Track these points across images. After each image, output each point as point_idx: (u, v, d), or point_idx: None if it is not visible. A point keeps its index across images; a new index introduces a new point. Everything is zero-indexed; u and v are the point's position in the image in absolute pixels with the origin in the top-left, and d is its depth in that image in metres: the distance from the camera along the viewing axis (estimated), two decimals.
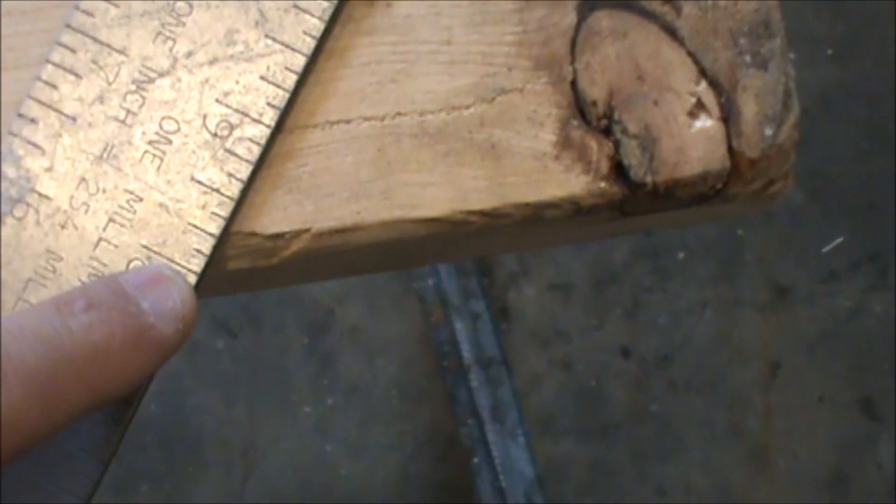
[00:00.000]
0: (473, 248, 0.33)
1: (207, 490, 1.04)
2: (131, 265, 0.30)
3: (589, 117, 0.31)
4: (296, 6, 0.31)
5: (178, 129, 0.30)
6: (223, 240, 0.30)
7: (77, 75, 0.30)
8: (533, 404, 1.02)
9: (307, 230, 0.31)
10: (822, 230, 1.07)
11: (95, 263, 0.30)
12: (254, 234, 0.31)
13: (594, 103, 0.31)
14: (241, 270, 0.31)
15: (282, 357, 1.06)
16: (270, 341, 1.06)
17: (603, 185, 0.31)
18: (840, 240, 1.07)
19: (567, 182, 0.31)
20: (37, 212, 0.30)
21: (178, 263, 0.30)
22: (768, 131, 0.31)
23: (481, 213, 0.31)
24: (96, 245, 0.30)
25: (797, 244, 1.07)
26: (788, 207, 1.07)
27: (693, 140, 0.31)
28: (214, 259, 0.30)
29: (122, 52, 0.30)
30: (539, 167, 0.31)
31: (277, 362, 1.06)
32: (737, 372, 1.06)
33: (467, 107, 0.31)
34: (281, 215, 0.31)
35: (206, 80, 0.30)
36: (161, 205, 0.30)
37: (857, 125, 1.07)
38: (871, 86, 1.07)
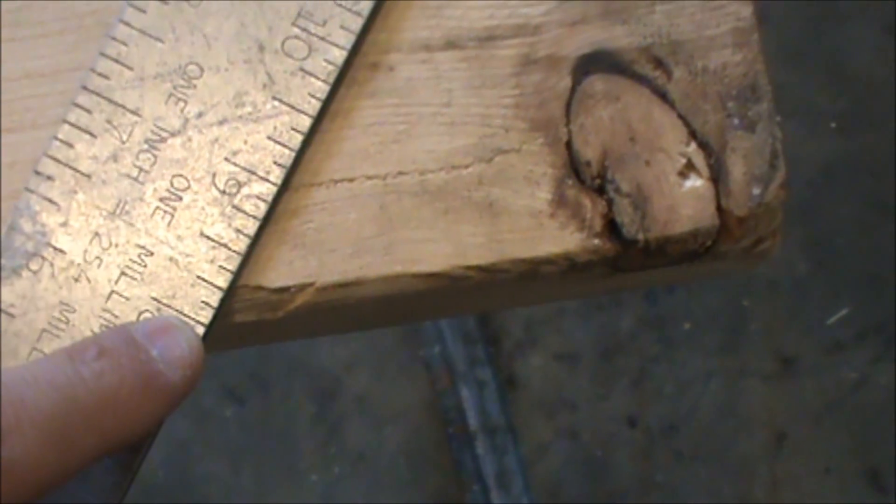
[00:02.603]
0: (472, 303, 0.34)
1: None
2: (141, 317, 0.31)
3: (583, 177, 0.32)
4: (302, 69, 0.32)
5: (189, 187, 0.32)
6: (230, 293, 0.31)
7: (92, 134, 0.32)
8: (539, 473, 1.02)
9: (311, 284, 0.32)
10: (827, 301, 1.08)
11: (107, 315, 0.31)
12: (260, 288, 0.32)
13: (588, 163, 0.32)
14: (248, 323, 0.32)
15: (289, 425, 1.07)
16: (278, 409, 1.07)
17: (597, 241, 0.32)
18: (845, 311, 1.08)
19: (562, 239, 0.32)
20: (52, 265, 0.31)
21: (187, 315, 0.31)
22: (756, 191, 0.32)
23: (479, 268, 0.32)
24: (108, 297, 0.31)
25: (802, 315, 1.08)
26: (793, 278, 1.08)
27: (683, 199, 0.32)
28: (222, 312, 0.31)
29: (135, 112, 0.32)
30: (535, 224, 0.32)
31: (285, 430, 1.07)
32: (743, 442, 1.06)
33: (466, 166, 0.32)
34: (286, 270, 0.32)
35: (216, 140, 0.32)
36: (171, 259, 0.31)
37: (861, 197, 1.08)
38: (874, 158, 1.09)
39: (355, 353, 1.07)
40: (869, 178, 1.08)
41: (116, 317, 0.31)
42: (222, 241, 0.31)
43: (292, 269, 0.32)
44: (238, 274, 0.31)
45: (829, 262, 1.08)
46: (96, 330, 0.31)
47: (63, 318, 0.31)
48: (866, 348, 1.07)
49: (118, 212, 0.31)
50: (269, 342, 0.35)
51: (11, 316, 0.31)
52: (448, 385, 0.92)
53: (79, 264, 0.31)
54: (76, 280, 0.31)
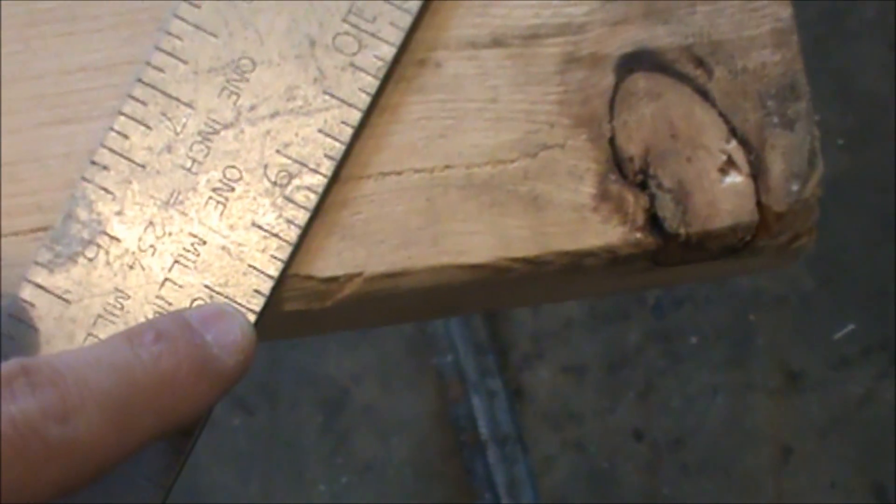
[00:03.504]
0: (515, 296, 0.35)
1: None
2: (194, 304, 0.32)
3: (626, 172, 0.33)
4: (352, 64, 0.33)
5: (241, 178, 0.32)
6: (281, 282, 0.32)
7: (147, 126, 0.32)
8: (546, 486, 1.02)
9: (360, 274, 0.32)
10: (834, 317, 1.08)
11: (161, 302, 0.32)
12: (310, 278, 0.32)
13: (631, 159, 0.33)
14: (296, 312, 0.33)
15: (297, 435, 1.07)
16: (286, 419, 1.07)
17: (638, 235, 0.33)
18: (851, 327, 1.08)
19: (605, 232, 0.32)
20: (107, 253, 0.32)
21: (238, 303, 0.32)
22: (794, 187, 0.33)
23: (524, 260, 0.33)
24: (162, 285, 0.32)
25: (808, 330, 1.09)
26: (800, 294, 1.09)
27: (723, 195, 0.33)
28: (272, 300, 0.32)
29: (189, 105, 0.32)
30: (578, 218, 0.33)
31: (293, 440, 1.07)
32: (748, 456, 1.07)
33: (512, 161, 0.33)
34: (335, 260, 0.32)
35: (268, 132, 0.32)
36: (223, 248, 0.32)
37: (868, 213, 1.09)
38: (881, 175, 1.10)
39: (363, 363, 1.08)
40: (876, 194, 1.09)
41: (170, 304, 0.32)
42: (273, 231, 0.32)
43: (341, 259, 0.32)
44: (288, 263, 0.32)
45: (835, 277, 1.09)
46: (150, 316, 0.32)
47: (118, 305, 0.32)
48: (872, 364, 1.07)
49: (172, 201, 0.32)
50: (315, 332, 0.35)
51: (67, 302, 0.32)
52: (460, 394, 0.92)
53: (133, 252, 0.32)
54: (130, 267, 0.32)
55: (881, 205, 1.09)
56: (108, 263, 0.32)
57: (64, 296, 0.32)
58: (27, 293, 0.32)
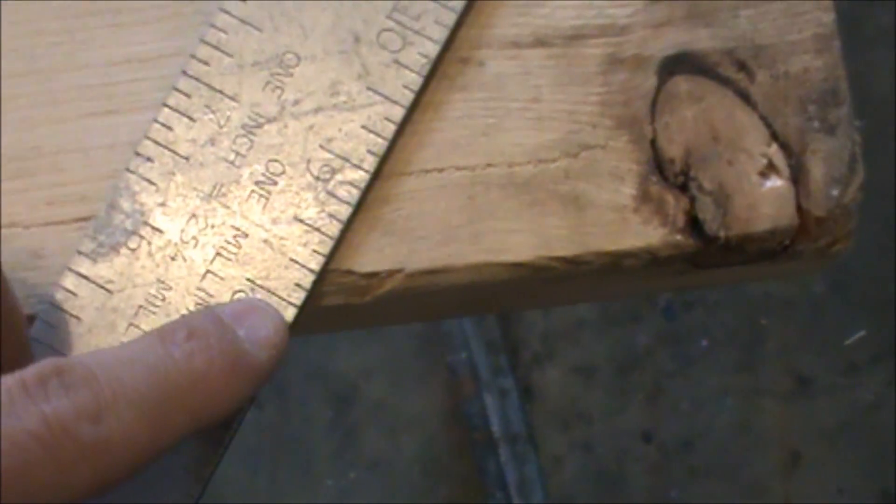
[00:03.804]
0: (553, 295, 0.35)
1: None
2: (235, 296, 0.32)
3: (667, 174, 0.33)
4: (396, 61, 0.33)
5: (284, 172, 0.32)
6: (322, 276, 0.32)
7: (191, 118, 0.32)
8: (553, 485, 1.02)
9: (400, 270, 0.33)
10: (845, 323, 1.09)
11: (202, 294, 0.32)
12: (350, 273, 0.33)
13: (672, 161, 0.33)
14: (336, 307, 0.33)
15: (306, 430, 1.07)
16: (295, 414, 1.07)
17: (678, 237, 0.33)
18: (862, 333, 1.08)
19: (645, 234, 0.33)
20: (149, 244, 0.32)
21: (279, 297, 0.32)
22: (834, 192, 0.33)
23: (563, 259, 0.33)
24: (203, 277, 0.32)
25: (819, 336, 1.09)
26: (811, 299, 1.09)
27: (764, 198, 0.33)
28: (312, 294, 0.32)
29: (233, 98, 0.33)
30: (619, 219, 0.33)
31: (301, 435, 1.07)
32: (757, 460, 1.07)
33: (553, 160, 0.33)
34: (376, 256, 0.33)
35: (311, 127, 0.33)
36: (265, 241, 0.32)
37: (880, 220, 1.09)
38: (894, 182, 1.10)
39: (373, 359, 1.08)
40: (888, 201, 1.09)
41: (211, 296, 0.32)
42: (316, 226, 0.32)
43: (382, 254, 0.33)
44: (330, 258, 0.32)
45: (846, 283, 1.09)
46: (191, 308, 0.32)
47: (159, 296, 0.32)
48: (882, 370, 1.07)
49: (215, 194, 0.32)
50: (351, 327, 0.35)
51: (110, 292, 0.32)
52: (472, 392, 0.92)
53: (175, 244, 0.32)
54: (173, 259, 0.32)
55: (893, 212, 1.09)
56: (150, 254, 0.32)
57: (106, 286, 0.32)
58: (69, 282, 0.32)
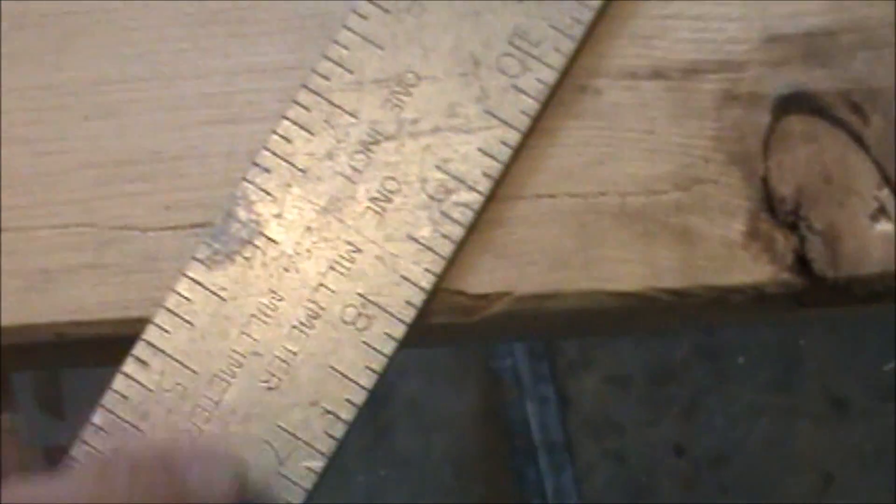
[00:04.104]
0: (656, 324, 0.35)
1: None
2: (346, 310, 0.32)
3: (777, 212, 0.33)
4: (514, 86, 0.33)
5: (399, 190, 0.33)
6: (432, 295, 0.33)
7: (310, 132, 0.33)
8: (583, 493, 1.03)
9: (509, 293, 0.33)
10: (884, 348, 1.08)
11: (313, 306, 0.32)
12: (460, 293, 0.33)
13: (783, 200, 0.33)
14: (442, 325, 0.33)
15: None
16: None
17: (787, 276, 0.33)
18: None
19: (753, 270, 0.33)
20: (264, 254, 0.32)
21: (390, 313, 0.32)
22: None
23: (672, 291, 0.33)
24: (316, 289, 0.32)
25: (858, 359, 1.09)
26: (851, 322, 1.09)
27: (874, 241, 0.33)
28: (421, 313, 0.33)
29: (352, 114, 0.33)
30: (728, 254, 0.33)
31: None
32: (789, 480, 1.07)
33: (665, 192, 0.33)
34: (487, 277, 0.33)
35: (428, 147, 0.33)
36: (378, 257, 0.32)
37: None
38: None
39: (410, 358, 1.08)
40: None
41: (322, 308, 0.32)
42: (429, 245, 0.32)
43: (492, 277, 0.33)
44: (441, 277, 0.33)
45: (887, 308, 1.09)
46: (303, 319, 0.32)
47: (271, 306, 0.32)
48: None
49: (330, 208, 0.33)
50: (453, 345, 0.36)
51: (223, 299, 0.32)
52: (515, 398, 0.93)
53: (290, 255, 0.32)
54: (286, 270, 0.32)
55: None
56: (264, 264, 0.32)
57: (220, 293, 0.32)
58: (183, 287, 0.32)
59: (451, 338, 0.35)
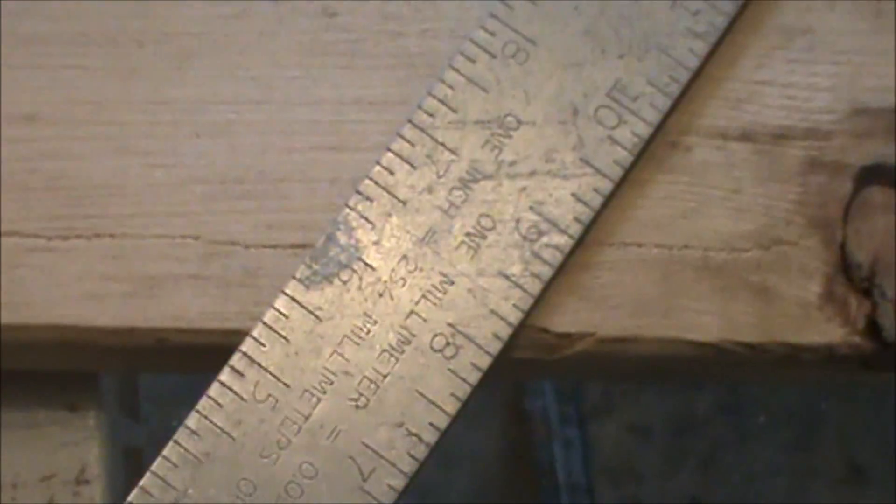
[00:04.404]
0: (728, 375, 0.37)
1: None
2: (435, 340, 0.34)
3: (852, 277, 0.35)
4: (610, 137, 0.35)
5: (494, 227, 0.34)
6: (518, 330, 0.34)
7: (412, 165, 0.34)
8: None
9: (592, 335, 0.34)
10: None
11: (405, 332, 0.34)
12: (545, 331, 0.34)
13: (859, 266, 0.35)
14: (525, 360, 0.35)
15: None
16: None
17: (857, 339, 0.34)
18: None
19: (826, 331, 0.34)
20: (360, 278, 0.34)
21: (478, 344, 0.34)
22: None
23: (747, 345, 0.34)
24: (408, 316, 0.34)
25: (878, 427, 1.09)
26: (873, 389, 1.10)
27: None
28: (506, 347, 0.34)
29: (453, 151, 0.34)
30: (803, 314, 0.34)
31: None
32: None
33: (747, 250, 0.35)
34: (571, 318, 0.34)
35: (524, 189, 0.34)
36: (470, 290, 0.34)
37: None
38: None
39: None
40: None
41: (413, 335, 0.34)
42: (519, 282, 0.34)
43: (576, 317, 0.34)
44: (528, 314, 0.34)
45: None
46: (393, 344, 0.33)
47: (364, 329, 0.34)
48: None
49: (427, 239, 0.34)
50: (531, 378, 0.37)
51: (318, 319, 0.34)
52: (544, 439, 0.94)
53: (385, 281, 0.34)
54: (380, 295, 0.34)
55: None
56: (360, 288, 0.34)
57: (316, 312, 0.34)
58: (281, 304, 0.34)
59: (532, 373, 0.36)
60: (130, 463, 0.40)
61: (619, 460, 1.08)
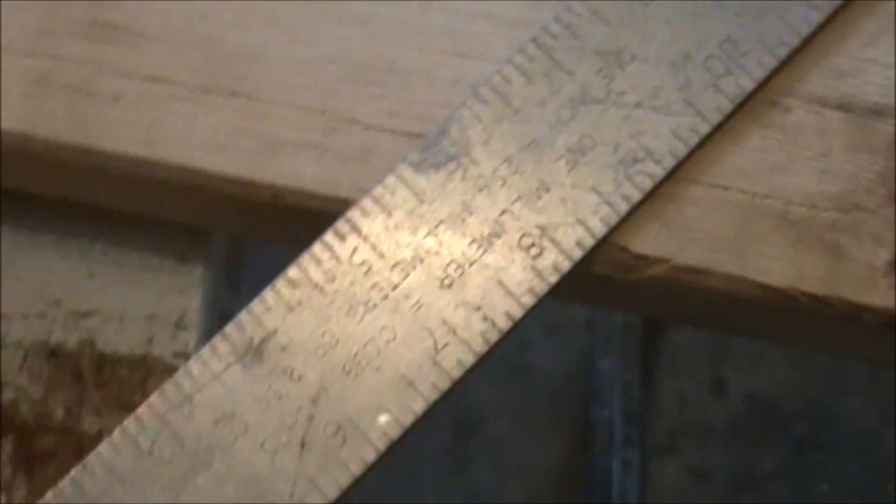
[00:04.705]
0: (789, 332, 0.39)
1: None
2: (524, 238, 0.36)
3: None
4: (715, 85, 0.37)
5: (594, 147, 0.37)
6: (600, 244, 0.36)
7: (529, 79, 0.37)
8: None
9: (668, 261, 0.37)
10: None
11: (497, 226, 0.36)
12: (624, 249, 0.37)
13: None
14: (600, 277, 0.37)
15: (425, 443, 1.10)
16: (420, 426, 1.11)
17: None
18: None
19: (889, 297, 0.36)
20: (465, 171, 0.37)
21: (562, 249, 0.36)
22: None
23: (812, 296, 0.36)
24: (502, 213, 0.36)
25: None
26: None
27: None
28: (587, 258, 0.36)
29: (569, 73, 0.37)
30: (870, 277, 0.36)
31: (419, 445, 1.10)
32: None
33: (825, 210, 0.37)
34: (651, 242, 0.37)
35: (628, 118, 0.37)
36: (562, 199, 0.37)
37: None
38: None
39: (506, 397, 1.11)
40: None
41: (504, 231, 0.36)
42: (608, 200, 0.36)
43: (656, 242, 0.37)
44: (611, 232, 0.36)
45: None
46: (485, 235, 0.36)
47: (460, 217, 0.36)
48: None
49: (531, 147, 0.37)
50: (603, 304, 0.39)
51: (421, 201, 0.36)
52: (603, 451, 0.95)
53: (486, 178, 0.37)
54: (480, 190, 0.37)
55: None
56: (463, 180, 0.37)
57: (420, 194, 0.36)
58: (390, 182, 0.37)
59: (604, 297, 0.38)
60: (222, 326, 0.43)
61: (673, 501, 1.09)
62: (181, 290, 0.41)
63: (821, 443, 1.10)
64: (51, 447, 0.40)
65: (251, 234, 0.41)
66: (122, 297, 0.41)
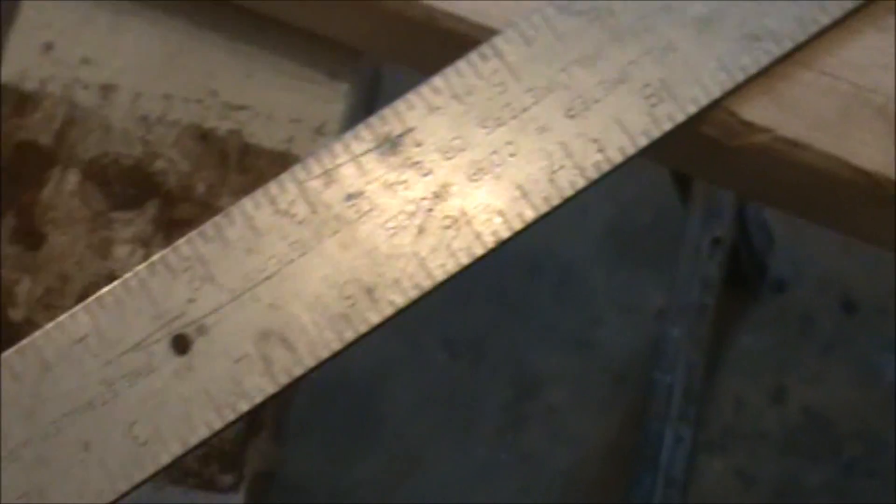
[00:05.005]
0: (869, 224, 0.42)
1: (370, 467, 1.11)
2: (645, 87, 0.40)
3: None
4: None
5: (722, 20, 0.40)
6: (712, 106, 0.40)
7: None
8: None
9: (771, 131, 0.40)
10: None
11: (623, 73, 0.40)
12: (733, 114, 0.41)
13: None
14: (706, 139, 0.41)
15: (482, 398, 1.14)
16: (482, 378, 1.14)
17: None
18: None
19: None
20: (602, 19, 0.40)
21: (678, 102, 0.40)
22: None
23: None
24: (631, 62, 0.40)
25: None
26: None
27: None
28: (696, 118, 0.40)
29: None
30: None
31: (477, 400, 1.13)
32: None
33: None
34: (759, 112, 0.40)
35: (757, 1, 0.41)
36: (686, 60, 0.40)
37: None
38: None
39: (570, 367, 1.14)
40: None
41: (630, 77, 0.39)
42: (727, 68, 0.40)
43: (764, 113, 0.40)
44: (724, 96, 0.40)
45: None
46: (613, 79, 0.40)
47: (592, 59, 0.40)
48: None
49: (665, 9, 0.40)
50: (699, 172, 0.43)
51: (560, 39, 0.40)
52: (657, 417, 0.98)
53: (621, 29, 0.40)
54: (613, 39, 0.40)
55: None
56: (599, 26, 0.40)
57: (560, 33, 0.40)
58: (535, 19, 0.40)
59: (702, 162, 0.42)
60: None
61: (714, 498, 1.10)
62: (326, 100, 0.46)
63: (871, 468, 1.11)
64: (189, 216, 0.44)
65: (399, 57, 0.45)
66: (272, 98, 0.46)
